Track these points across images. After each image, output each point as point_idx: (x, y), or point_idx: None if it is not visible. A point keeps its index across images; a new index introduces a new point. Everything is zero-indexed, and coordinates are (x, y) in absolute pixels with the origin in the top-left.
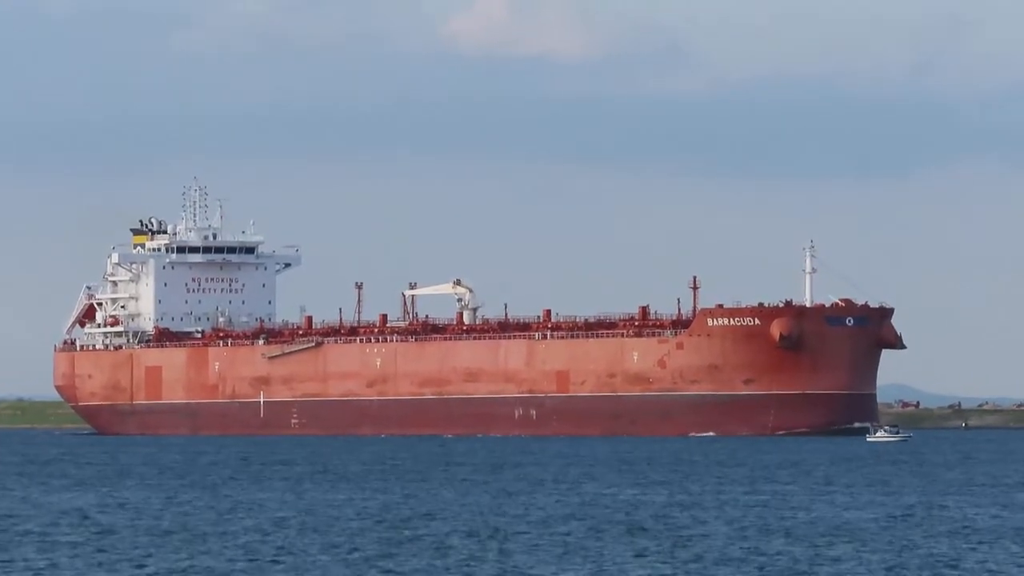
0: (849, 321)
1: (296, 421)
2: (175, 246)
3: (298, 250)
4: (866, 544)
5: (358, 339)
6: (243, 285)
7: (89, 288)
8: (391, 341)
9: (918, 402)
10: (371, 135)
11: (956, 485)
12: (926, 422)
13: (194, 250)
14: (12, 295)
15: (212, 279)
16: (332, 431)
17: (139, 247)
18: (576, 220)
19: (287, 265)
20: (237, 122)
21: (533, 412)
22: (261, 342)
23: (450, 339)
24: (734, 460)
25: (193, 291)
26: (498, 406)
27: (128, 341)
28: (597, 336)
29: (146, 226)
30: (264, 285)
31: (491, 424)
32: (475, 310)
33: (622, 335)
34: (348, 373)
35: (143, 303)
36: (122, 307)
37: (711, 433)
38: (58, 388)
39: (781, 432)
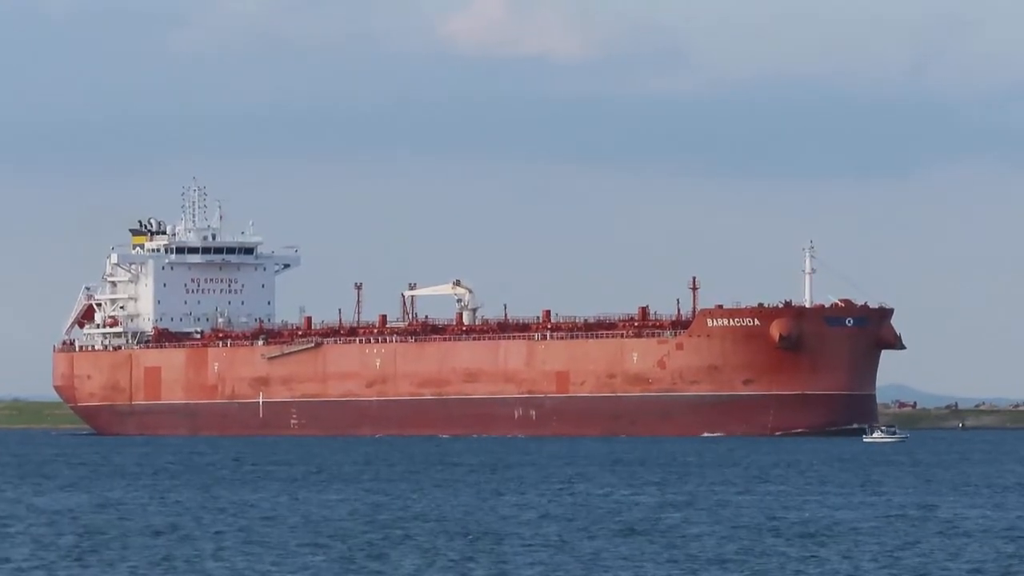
0: (849, 321)
1: (295, 422)
2: (174, 246)
3: (297, 250)
4: (854, 545)
5: (357, 340)
6: (242, 286)
7: (88, 288)
8: (390, 342)
9: (915, 402)
10: (371, 135)
11: (948, 485)
12: (923, 422)
13: (193, 251)
14: (11, 295)
15: (211, 280)
16: (331, 432)
17: (138, 247)
18: (576, 220)
19: (286, 266)
20: (237, 122)
21: (533, 413)
22: (260, 343)
23: (450, 340)
24: (728, 460)
25: (192, 292)
26: (498, 407)
27: (127, 342)
28: (597, 337)
29: (145, 227)
30: (263, 285)
31: (491, 425)
32: (475, 310)
33: (622, 336)
34: (347, 374)
35: (142, 304)
36: (121, 308)
37: (719, 433)
38: (57, 389)
39: (780, 432)
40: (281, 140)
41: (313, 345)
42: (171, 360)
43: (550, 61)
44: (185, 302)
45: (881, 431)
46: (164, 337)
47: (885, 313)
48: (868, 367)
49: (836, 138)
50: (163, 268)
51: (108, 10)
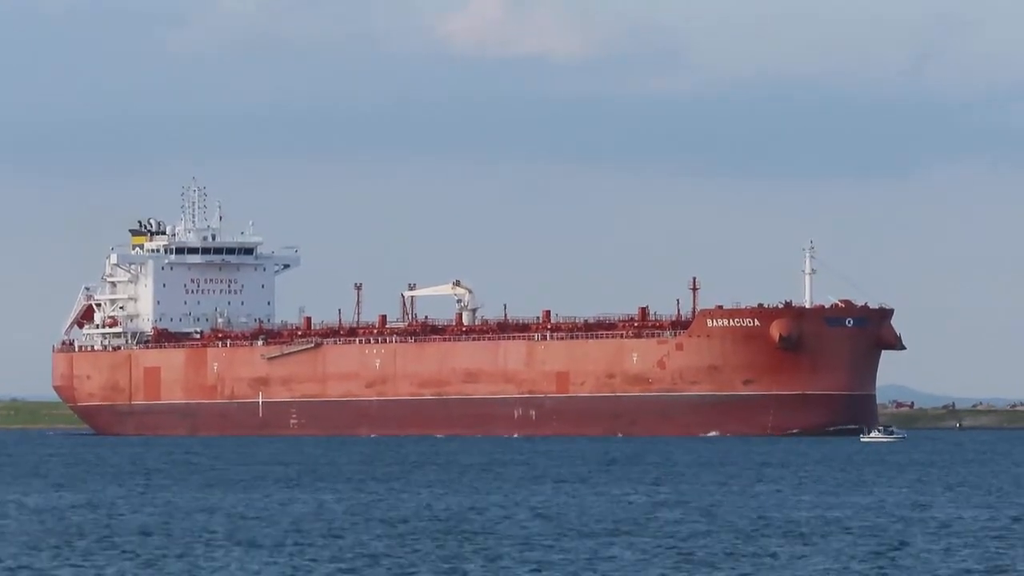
0: (848, 322)
1: (295, 422)
2: (174, 247)
3: (297, 251)
4: (820, 541)
5: (357, 340)
6: (242, 286)
7: (88, 289)
8: (390, 342)
9: (912, 402)
10: (371, 135)
11: (942, 485)
12: (920, 422)
13: (193, 251)
14: (11, 295)
15: (211, 280)
16: (331, 432)
17: (138, 248)
18: (576, 220)
19: (286, 266)
20: (237, 122)
21: (533, 413)
22: (260, 343)
23: (449, 340)
24: (718, 460)
25: (192, 292)
26: (498, 407)
27: (127, 342)
28: (597, 337)
29: (145, 227)
30: (263, 286)
31: (491, 425)
32: (474, 311)
33: (622, 336)
34: (347, 374)
35: (142, 304)
36: (121, 308)
37: (715, 433)
38: (56, 389)
39: (780, 433)
40: (281, 140)
41: (313, 345)
42: (171, 360)
43: (550, 61)
44: (185, 302)
45: (878, 431)
46: (164, 337)
47: (885, 313)
48: (868, 367)
49: (836, 138)
50: (163, 268)
51: (108, 10)
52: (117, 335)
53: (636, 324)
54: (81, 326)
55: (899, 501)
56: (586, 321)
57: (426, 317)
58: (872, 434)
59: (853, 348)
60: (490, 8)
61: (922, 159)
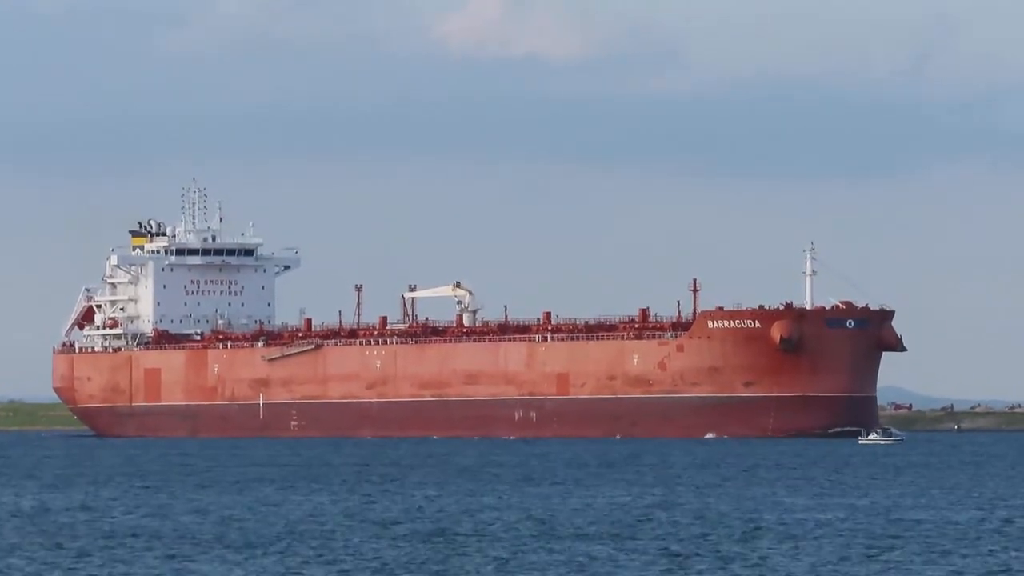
0: (849, 323)
1: (295, 423)
2: (174, 248)
3: (297, 252)
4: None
5: (358, 341)
6: (242, 287)
7: (88, 290)
8: (391, 343)
9: (911, 404)
10: (371, 135)
11: (937, 487)
12: (919, 424)
13: (193, 252)
14: (11, 296)
15: (211, 281)
16: (332, 433)
17: (138, 249)
18: (576, 221)
19: (286, 267)
20: (236, 122)
21: (533, 414)
22: (260, 344)
23: (450, 341)
24: (712, 462)
25: (192, 293)
26: (498, 408)
27: (127, 343)
28: (597, 338)
29: (145, 228)
30: (263, 287)
31: (491, 426)
32: (475, 312)
33: (622, 337)
34: (348, 375)
35: (142, 305)
36: (121, 309)
37: (711, 435)
38: (57, 390)
39: (781, 434)
40: (281, 140)
41: (313, 347)
42: (171, 362)
43: (549, 61)
44: (185, 304)
45: (877, 433)
46: (164, 339)
47: (886, 315)
48: (869, 369)
49: (836, 138)
50: (163, 270)
51: (107, 10)
52: (117, 336)
53: (637, 325)
54: (81, 327)
55: (893, 504)
56: (586, 322)
57: (427, 318)
58: (870, 436)
59: (854, 350)
60: (489, 8)
61: (922, 159)
